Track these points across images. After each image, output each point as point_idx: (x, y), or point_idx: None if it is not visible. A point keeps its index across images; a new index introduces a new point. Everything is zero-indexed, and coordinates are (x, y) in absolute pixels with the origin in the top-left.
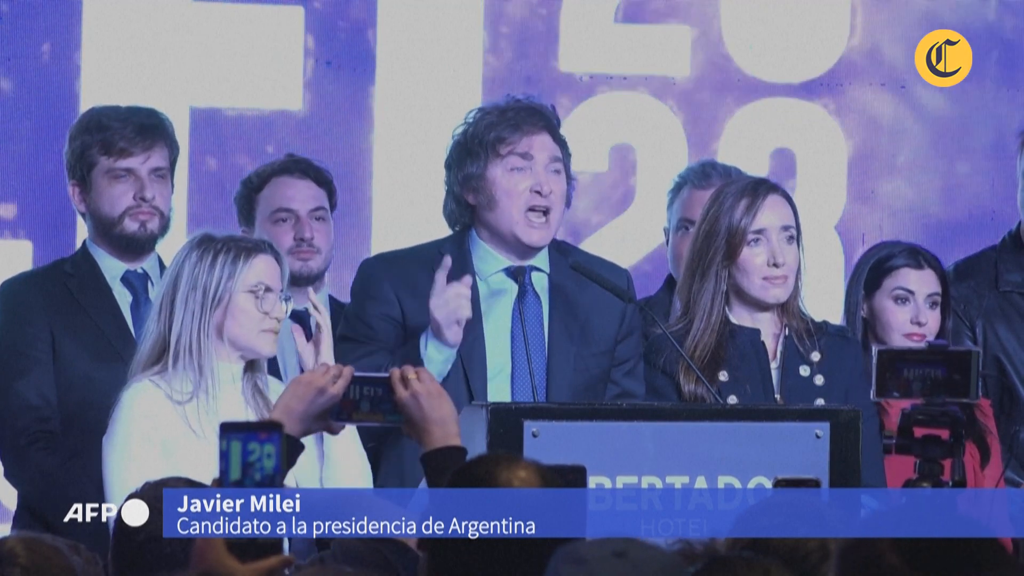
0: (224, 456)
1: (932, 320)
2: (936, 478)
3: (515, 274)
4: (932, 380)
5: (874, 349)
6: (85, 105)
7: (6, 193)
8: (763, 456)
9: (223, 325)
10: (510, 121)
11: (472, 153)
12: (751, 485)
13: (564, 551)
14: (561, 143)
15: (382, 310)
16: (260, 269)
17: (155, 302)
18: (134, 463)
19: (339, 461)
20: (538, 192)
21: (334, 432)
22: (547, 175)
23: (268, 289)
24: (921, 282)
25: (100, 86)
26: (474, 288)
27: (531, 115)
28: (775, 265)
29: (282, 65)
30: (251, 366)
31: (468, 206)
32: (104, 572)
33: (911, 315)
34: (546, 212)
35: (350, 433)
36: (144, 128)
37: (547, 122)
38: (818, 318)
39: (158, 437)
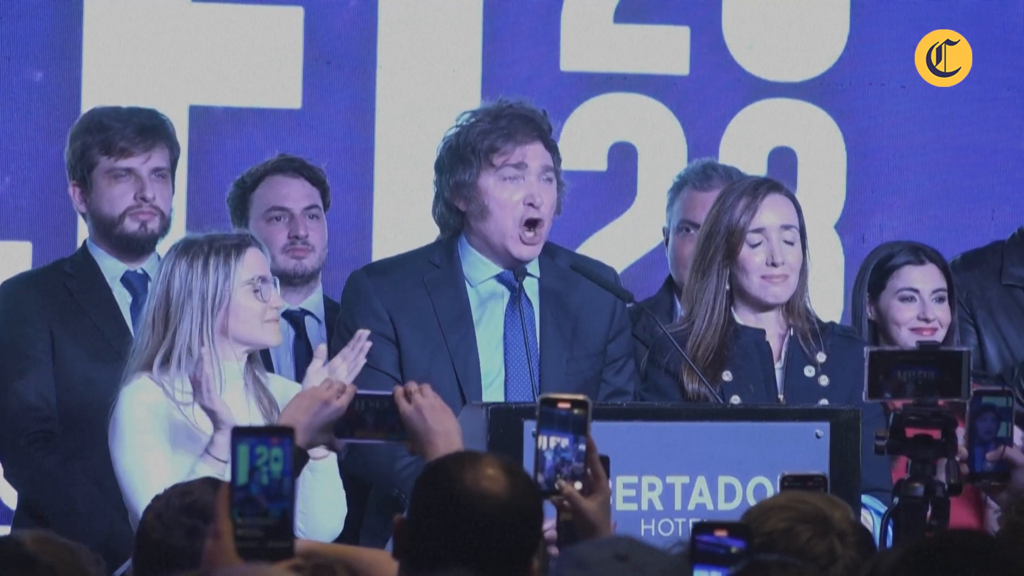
0: (233, 459)
1: (941, 314)
2: (928, 479)
3: (509, 280)
4: (924, 380)
5: (865, 351)
6: (86, 104)
7: (6, 193)
8: (763, 456)
9: (227, 325)
10: (503, 130)
11: (464, 160)
12: (751, 485)
13: (565, 554)
14: (553, 150)
15: (375, 328)
16: (252, 263)
17: (146, 315)
18: (150, 458)
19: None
20: (531, 204)
21: (336, 449)
22: (540, 185)
23: (263, 280)
24: (925, 278)
25: (100, 86)
26: (465, 296)
27: (524, 124)
28: (773, 264)
29: (282, 65)
30: (249, 359)
31: (458, 212)
32: (106, 572)
33: (918, 312)
34: (538, 224)
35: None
36: (145, 128)
37: (540, 131)
38: (822, 318)
39: (164, 430)
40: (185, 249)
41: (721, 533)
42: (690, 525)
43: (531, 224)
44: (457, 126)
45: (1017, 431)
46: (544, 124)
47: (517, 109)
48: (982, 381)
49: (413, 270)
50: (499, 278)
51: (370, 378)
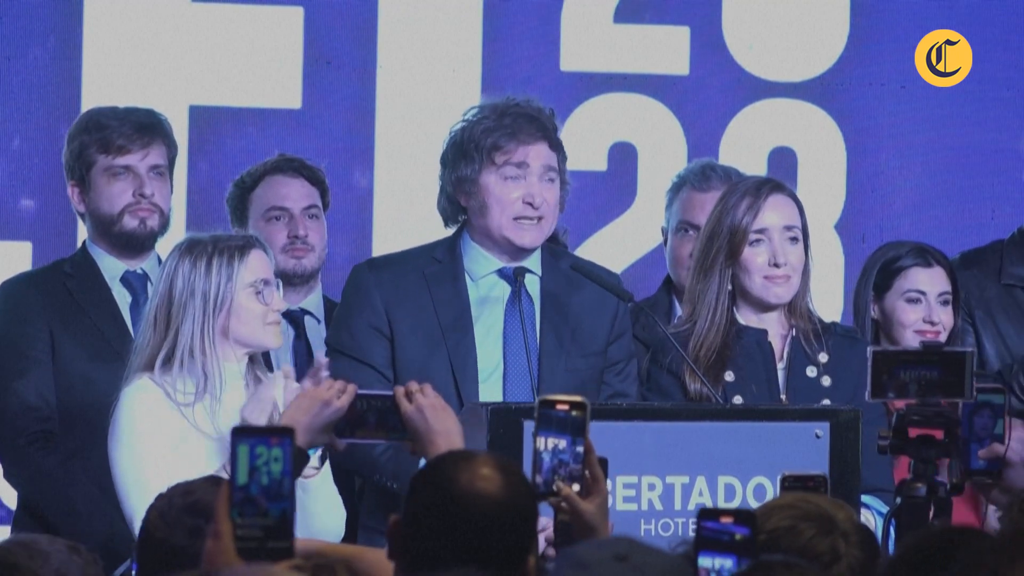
0: (232, 459)
1: (945, 318)
2: (930, 479)
3: (510, 276)
4: (927, 381)
5: (868, 351)
6: (86, 104)
7: (6, 193)
8: (763, 456)
9: (228, 327)
10: (507, 129)
11: (467, 156)
12: (751, 485)
13: (565, 555)
14: (558, 149)
15: (369, 321)
16: (255, 265)
17: (148, 314)
18: (149, 460)
19: (314, 491)
20: (530, 203)
21: (337, 449)
22: (540, 185)
23: (266, 283)
24: (932, 281)
25: (100, 86)
26: (464, 290)
27: (528, 123)
28: (776, 265)
29: (282, 65)
30: (250, 360)
31: (460, 206)
32: (105, 573)
33: (924, 314)
34: (537, 218)
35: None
36: (142, 126)
37: (544, 131)
38: (822, 318)
39: (164, 432)
40: (189, 249)
41: (726, 520)
42: (691, 521)
43: (529, 217)
44: (463, 121)
45: (1020, 427)
46: (549, 123)
47: (523, 108)
48: (980, 379)
49: (415, 265)
50: (500, 273)
51: (359, 373)
